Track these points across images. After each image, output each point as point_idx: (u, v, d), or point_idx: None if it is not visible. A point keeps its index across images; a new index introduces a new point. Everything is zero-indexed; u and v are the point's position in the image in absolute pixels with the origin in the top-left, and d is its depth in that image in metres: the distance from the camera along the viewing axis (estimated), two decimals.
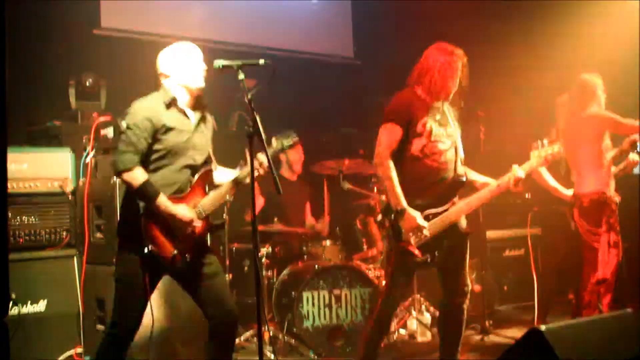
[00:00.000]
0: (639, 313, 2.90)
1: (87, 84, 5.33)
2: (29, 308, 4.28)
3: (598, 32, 6.30)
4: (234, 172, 3.43)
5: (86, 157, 4.53)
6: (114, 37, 6.18)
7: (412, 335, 5.22)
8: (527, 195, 6.24)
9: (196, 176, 3.30)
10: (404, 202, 3.49)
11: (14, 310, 4.17)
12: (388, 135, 3.57)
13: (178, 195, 3.23)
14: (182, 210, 3.18)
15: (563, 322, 2.90)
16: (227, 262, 4.97)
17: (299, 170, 5.80)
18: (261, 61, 3.07)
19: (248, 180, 3.23)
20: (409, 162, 3.58)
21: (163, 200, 3.14)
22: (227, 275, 4.90)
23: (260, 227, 5.07)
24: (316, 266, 4.90)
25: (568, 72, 5.03)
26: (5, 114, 2.03)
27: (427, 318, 5.24)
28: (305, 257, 5.20)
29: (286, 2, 7.44)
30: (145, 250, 3.12)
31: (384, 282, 3.73)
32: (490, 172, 3.77)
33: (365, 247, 5.58)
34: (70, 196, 4.51)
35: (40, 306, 4.32)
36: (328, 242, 5.35)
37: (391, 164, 3.53)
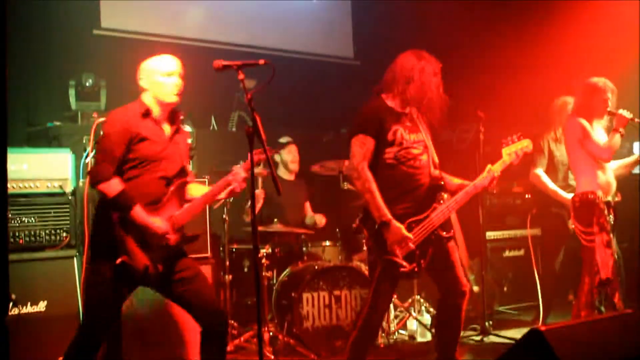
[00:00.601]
0: (639, 313, 2.90)
1: (87, 84, 5.34)
2: (29, 308, 4.27)
3: (598, 33, 6.30)
4: (206, 188, 3.46)
5: (86, 157, 4.52)
6: (114, 37, 6.18)
7: (412, 336, 5.22)
8: (526, 197, 6.24)
9: (171, 188, 3.31)
10: (387, 214, 3.42)
11: (14, 311, 4.16)
12: (361, 146, 3.49)
13: (153, 206, 3.23)
14: (158, 222, 3.20)
15: (563, 322, 2.90)
16: (227, 263, 4.96)
17: (295, 169, 5.79)
18: (261, 61, 3.08)
19: (222, 195, 3.33)
20: (385, 170, 3.51)
21: (139, 211, 3.15)
22: (227, 276, 4.90)
23: (260, 228, 5.07)
24: (316, 267, 4.90)
25: (568, 73, 5.04)
26: (6, 114, 2.03)
27: (427, 318, 5.24)
28: (305, 257, 5.20)
29: (286, 2, 7.44)
30: (118, 261, 3.10)
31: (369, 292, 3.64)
32: None
33: (365, 247, 5.57)
34: (70, 196, 4.51)
35: (40, 306, 4.31)
36: (328, 243, 5.35)
37: (370, 175, 3.46)
